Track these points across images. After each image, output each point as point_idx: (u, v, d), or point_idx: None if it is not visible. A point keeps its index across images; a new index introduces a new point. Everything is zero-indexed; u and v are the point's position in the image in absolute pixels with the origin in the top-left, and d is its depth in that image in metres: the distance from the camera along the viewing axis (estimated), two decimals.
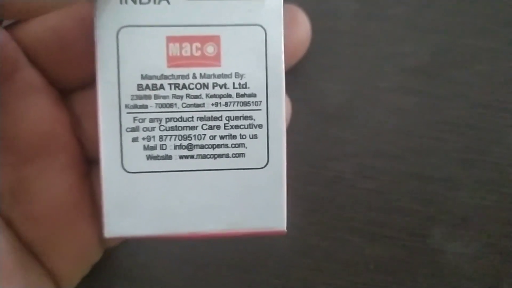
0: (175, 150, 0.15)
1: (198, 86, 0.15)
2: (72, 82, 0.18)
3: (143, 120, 0.15)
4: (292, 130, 0.19)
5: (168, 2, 0.15)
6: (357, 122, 0.22)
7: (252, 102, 0.15)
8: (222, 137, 0.15)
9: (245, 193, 0.15)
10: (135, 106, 0.15)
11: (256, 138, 0.15)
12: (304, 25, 0.19)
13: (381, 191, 0.22)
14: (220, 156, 0.15)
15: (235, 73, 0.15)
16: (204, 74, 0.15)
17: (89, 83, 0.18)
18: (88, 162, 0.18)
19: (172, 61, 0.15)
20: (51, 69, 0.17)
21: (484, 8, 0.22)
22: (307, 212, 0.22)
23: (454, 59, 0.22)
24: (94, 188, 0.18)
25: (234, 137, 0.15)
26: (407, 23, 0.22)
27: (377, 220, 0.21)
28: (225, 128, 0.15)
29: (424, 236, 0.21)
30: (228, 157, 0.15)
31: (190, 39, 0.15)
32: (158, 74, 0.15)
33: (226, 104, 0.15)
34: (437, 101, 0.22)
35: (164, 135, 0.15)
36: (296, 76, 0.21)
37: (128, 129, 0.15)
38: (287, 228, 0.15)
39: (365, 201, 0.22)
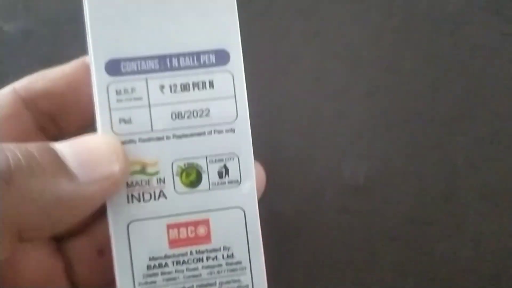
0: None
1: (195, 260, 0.19)
2: (66, 232, 0.21)
3: None
4: None
5: (165, 198, 0.18)
6: (304, 238, 0.26)
7: (239, 268, 0.19)
8: None
9: None
10: (146, 283, 0.18)
11: None
12: (260, 177, 0.23)
13: None
14: None
15: (223, 246, 0.19)
16: (199, 250, 0.19)
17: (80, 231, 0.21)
18: None
19: (173, 243, 0.18)
20: None
21: (410, 135, 0.27)
22: None
23: (386, 180, 0.27)
24: None
25: None
26: (345, 151, 0.27)
27: None
28: None
29: None
30: None
31: (186, 224, 0.18)
32: (162, 255, 0.18)
33: (218, 272, 0.19)
34: (373, 218, 0.27)
35: None
36: None
37: None
38: None
39: None
